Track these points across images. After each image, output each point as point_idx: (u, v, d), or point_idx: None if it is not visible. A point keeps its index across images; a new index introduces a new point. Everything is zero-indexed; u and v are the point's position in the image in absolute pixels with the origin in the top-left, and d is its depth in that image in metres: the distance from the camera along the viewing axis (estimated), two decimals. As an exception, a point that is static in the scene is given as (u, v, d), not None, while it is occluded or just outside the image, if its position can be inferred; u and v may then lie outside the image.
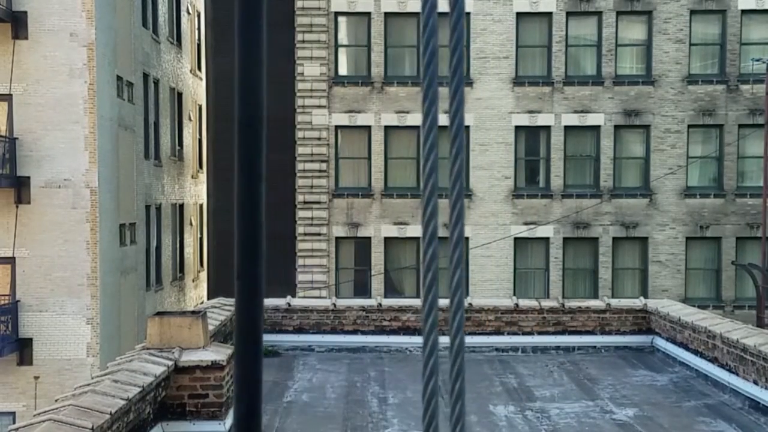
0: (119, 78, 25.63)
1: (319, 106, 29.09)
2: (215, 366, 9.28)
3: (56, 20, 23.16)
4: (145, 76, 28.61)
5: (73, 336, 23.24)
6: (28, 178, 23.18)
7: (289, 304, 15.38)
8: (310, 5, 29.06)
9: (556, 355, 14.88)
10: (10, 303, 23.07)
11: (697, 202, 29.25)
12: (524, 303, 15.47)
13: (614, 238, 29.30)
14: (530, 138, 29.45)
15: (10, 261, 23.20)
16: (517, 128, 29.09)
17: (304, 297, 26.21)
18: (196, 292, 35.56)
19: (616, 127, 29.26)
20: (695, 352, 13.01)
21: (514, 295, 26.15)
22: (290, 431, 10.38)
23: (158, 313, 10.29)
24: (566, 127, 29.12)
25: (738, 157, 29.25)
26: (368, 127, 29.12)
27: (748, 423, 10.51)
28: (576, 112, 29.09)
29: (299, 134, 29.30)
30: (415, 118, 28.98)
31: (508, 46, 28.88)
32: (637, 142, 29.61)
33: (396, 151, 29.23)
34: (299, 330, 15.29)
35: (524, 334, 15.19)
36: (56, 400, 7.57)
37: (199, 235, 36.20)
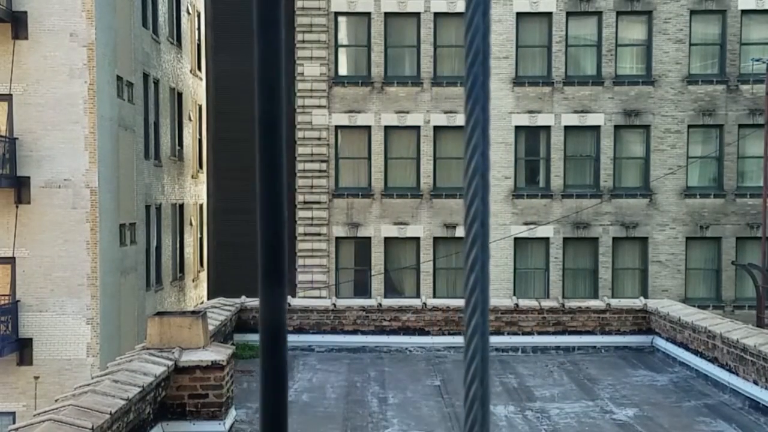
0: (119, 78, 25.63)
1: (319, 106, 29.09)
2: (215, 366, 9.28)
3: (56, 20, 23.16)
4: (145, 76, 28.61)
5: (73, 336, 23.24)
6: (28, 178, 23.18)
7: (289, 304, 15.38)
8: (310, 5, 29.06)
9: (556, 355, 14.88)
10: (10, 303, 23.07)
11: (697, 202, 29.25)
12: (524, 303, 15.47)
13: (614, 238, 29.30)
14: (530, 138, 29.44)
15: (10, 261, 23.20)
16: (517, 128, 29.09)
17: (304, 297, 26.22)
18: (196, 292, 35.56)
19: (616, 127, 29.27)
20: (695, 352, 13.01)
21: (514, 295, 26.15)
22: (290, 431, 10.36)
23: (158, 313, 10.29)
24: (566, 127, 29.12)
25: (738, 157, 29.25)
26: (368, 127, 29.13)
27: (748, 423, 10.51)
28: (576, 112, 29.09)
29: (299, 134, 29.31)
30: (415, 118, 28.98)
31: (508, 46, 28.87)
32: (637, 142, 29.61)
33: (396, 151, 29.23)
34: (299, 330, 15.29)
35: (524, 334, 15.19)
36: (56, 400, 7.57)
37: (199, 235, 36.20)
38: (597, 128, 29.20)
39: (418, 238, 29.10)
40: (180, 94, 33.41)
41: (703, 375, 12.65)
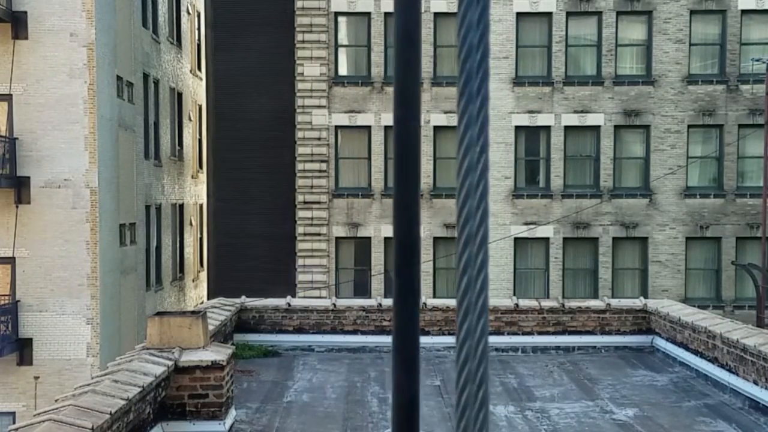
0: (119, 78, 25.63)
1: (319, 106, 29.09)
2: (215, 366, 9.28)
3: (56, 20, 23.16)
4: (145, 76, 28.61)
5: (73, 336, 23.24)
6: (28, 178, 23.18)
7: (289, 304, 15.38)
8: (310, 5, 29.05)
9: (556, 355, 14.88)
10: (10, 303, 23.07)
11: (697, 202, 29.25)
12: (524, 303, 15.47)
13: (614, 238, 29.30)
14: (530, 138, 29.45)
15: (10, 261, 23.20)
16: (517, 128, 29.09)
17: (304, 297, 26.22)
18: (196, 292, 35.56)
19: (616, 127, 29.27)
20: (695, 352, 13.01)
21: (514, 295, 26.15)
22: (290, 431, 10.37)
23: (158, 313, 10.29)
24: (566, 127, 29.13)
25: (738, 157, 29.25)
26: (368, 127, 29.13)
27: (748, 423, 10.51)
28: (576, 112, 29.09)
29: (299, 134, 29.31)
30: (415, 118, 28.93)
31: (508, 46, 28.88)
32: (637, 142, 29.62)
33: (396, 151, 29.20)
34: (299, 330, 15.29)
35: (524, 334, 15.19)
36: (56, 400, 7.57)
37: (199, 235, 36.20)
38: (597, 128, 29.20)
39: (418, 238, 29.05)
40: (180, 94, 33.41)
41: (703, 375, 12.65)
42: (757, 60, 27.88)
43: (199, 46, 36.75)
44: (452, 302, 15.66)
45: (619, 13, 29.16)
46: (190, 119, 34.82)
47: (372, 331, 15.26)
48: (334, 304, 15.47)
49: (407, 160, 1.55)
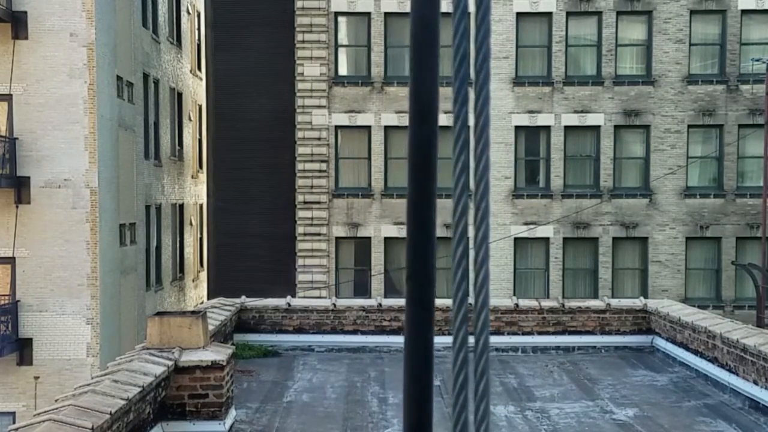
0: (119, 78, 25.63)
1: (319, 106, 29.09)
2: (215, 366, 9.28)
3: (56, 20, 23.16)
4: (145, 76, 28.61)
5: (73, 336, 23.24)
6: (28, 178, 23.18)
7: (289, 304, 15.38)
8: (310, 5, 29.05)
9: (556, 355, 14.88)
10: (10, 303, 23.07)
11: (697, 202, 29.25)
12: (524, 303, 15.47)
13: (614, 238, 29.30)
14: (530, 138, 29.45)
15: (10, 261, 23.19)
16: (517, 128, 29.09)
17: (304, 297, 26.21)
18: (196, 292, 35.56)
19: (616, 127, 29.27)
20: (695, 352, 13.01)
21: (514, 295, 26.15)
22: (290, 431, 10.37)
23: (158, 313, 10.29)
24: (566, 127, 29.13)
25: (738, 157, 29.25)
26: (368, 127, 29.13)
27: (748, 423, 10.51)
28: (576, 112, 29.09)
29: (299, 134, 29.30)
30: (415, 118, 28.95)
31: (508, 46, 28.88)
32: (637, 142, 29.62)
33: (396, 151, 29.23)
34: (299, 330, 15.28)
35: (524, 334, 15.19)
36: (56, 400, 7.57)
37: (199, 235, 36.20)
38: (597, 128, 29.20)
39: (418, 238, 29.07)
40: (180, 94, 33.41)
41: (703, 375, 12.65)
42: (757, 60, 27.88)
43: (199, 46, 36.76)
44: (452, 302, 15.64)
45: (619, 13, 29.16)
46: (190, 119, 34.82)
47: (372, 331, 15.26)
48: (334, 304, 15.47)
49: (423, 162, 1.55)
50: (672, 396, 12.00)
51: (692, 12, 29.12)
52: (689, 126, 29.26)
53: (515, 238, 28.92)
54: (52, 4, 23.15)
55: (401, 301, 16.22)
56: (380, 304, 15.43)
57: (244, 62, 30.76)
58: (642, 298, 16.77)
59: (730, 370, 11.60)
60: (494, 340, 15.01)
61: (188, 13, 35.05)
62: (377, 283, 28.81)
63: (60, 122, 23.22)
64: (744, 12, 29.12)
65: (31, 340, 23.17)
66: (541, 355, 14.91)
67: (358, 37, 29.58)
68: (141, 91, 28.02)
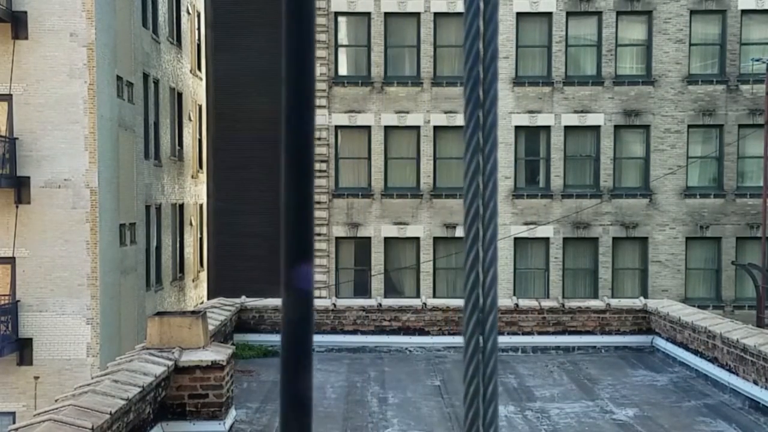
0: (119, 78, 25.63)
1: (319, 106, 29.08)
2: (215, 366, 9.28)
3: (56, 20, 23.16)
4: (145, 76, 28.61)
5: (73, 336, 23.24)
6: (28, 178, 23.18)
7: (289, 304, 15.34)
8: (310, 5, 29.01)
9: (556, 355, 14.88)
10: (10, 303, 23.07)
11: (697, 202, 29.25)
12: (524, 303, 15.47)
13: (614, 238, 29.30)
14: (530, 138, 29.45)
15: (10, 261, 23.19)
16: (517, 128, 29.09)
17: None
18: (196, 292, 35.56)
19: (616, 127, 29.27)
20: (695, 352, 13.01)
21: (514, 295, 26.15)
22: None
23: (158, 313, 10.29)
24: (566, 127, 29.13)
25: (738, 157, 29.25)
26: (368, 127, 29.13)
27: (748, 423, 10.51)
28: (576, 112, 29.09)
29: (299, 134, 29.26)
30: (415, 118, 28.99)
31: (508, 46, 28.87)
32: (637, 142, 29.62)
33: (396, 151, 29.23)
34: (299, 330, 15.25)
35: (524, 334, 15.19)
36: (56, 400, 7.57)
37: (199, 235, 36.20)
38: (597, 128, 29.20)
39: (418, 238, 29.10)
40: (180, 94, 33.41)
41: (703, 375, 12.65)
42: (757, 60, 27.88)
43: (199, 46, 36.76)
44: (452, 302, 15.66)
45: (619, 13, 29.16)
46: (190, 119, 34.82)
47: (372, 331, 15.26)
48: (334, 304, 15.47)
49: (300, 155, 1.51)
50: (672, 396, 12.00)
51: (692, 12, 29.13)
52: (689, 126, 29.26)
53: (515, 238, 28.92)
54: (52, 4, 23.15)
55: (401, 301, 16.22)
56: (380, 304, 15.42)
57: (244, 62, 30.77)
58: (642, 298, 16.77)
59: (730, 370, 11.60)
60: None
61: (188, 13, 35.05)
62: (377, 283, 28.81)
63: (60, 122, 23.22)
64: (744, 12, 29.12)
65: (31, 340, 23.17)
66: (541, 355, 14.91)
67: (358, 37, 29.58)
68: (141, 91, 28.02)
